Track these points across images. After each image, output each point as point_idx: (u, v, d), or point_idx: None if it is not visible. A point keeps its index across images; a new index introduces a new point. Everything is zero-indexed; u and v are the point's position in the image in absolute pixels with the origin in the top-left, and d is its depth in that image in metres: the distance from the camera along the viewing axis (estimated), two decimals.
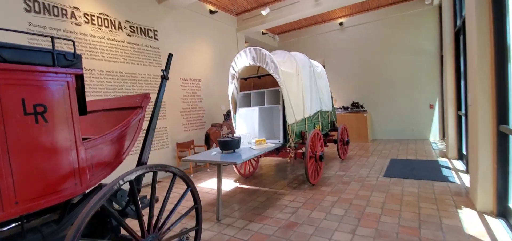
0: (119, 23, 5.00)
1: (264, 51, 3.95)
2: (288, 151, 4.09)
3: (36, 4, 3.91)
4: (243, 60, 4.18)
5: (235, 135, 4.07)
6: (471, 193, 3.28)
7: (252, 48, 4.05)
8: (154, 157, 5.53)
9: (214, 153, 3.47)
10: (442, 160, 5.33)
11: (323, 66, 6.19)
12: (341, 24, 9.08)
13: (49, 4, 4.05)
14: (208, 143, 6.25)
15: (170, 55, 1.92)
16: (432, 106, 7.93)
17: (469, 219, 2.78)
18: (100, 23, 4.70)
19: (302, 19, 8.99)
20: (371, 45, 8.72)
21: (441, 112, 7.82)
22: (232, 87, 4.46)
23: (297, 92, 4.32)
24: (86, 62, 4.47)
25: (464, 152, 5.02)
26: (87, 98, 4.60)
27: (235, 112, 4.54)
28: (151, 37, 5.58)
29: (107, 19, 4.80)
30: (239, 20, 8.12)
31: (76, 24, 4.38)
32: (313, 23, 9.52)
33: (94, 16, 4.62)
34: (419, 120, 8.14)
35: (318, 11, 7.12)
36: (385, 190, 3.81)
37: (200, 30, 6.86)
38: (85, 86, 4.45)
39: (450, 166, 4.90)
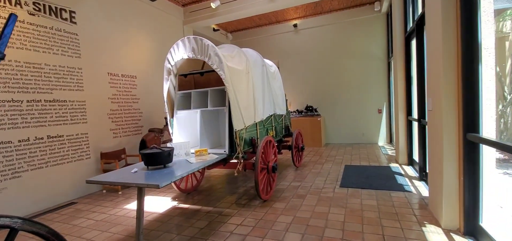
0: None
1: (206, 41, 3.23)
2: (236, 162, 3.42)
3: None
4: (180, 52, 3.39)
5: (170, 143, 3.25)
6: (433, 207, 3.02)
7: (192, 37, 3.30)
8: (71, 171, 4.36)
9: (136, 170, 2.61)
10: (394, 166, 5.23)
11: (278, 68, 5.73)
12: (295, 25, 8.82)
13: None
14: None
15: (12, 16, 1.08)
16: (380, 111, 8.09)
17: (436, 239, 2.44)
18: None
19: (256, 18, 8.50)
20: (324, 49, 8.62)
21: (388, 117, 8.01)
22: (168, 84, 3.63)
23: (247, 93, 3.69)
24: None
25: (414, 158, 4.97)
26: None
27: (172, 116, 3.71)
28: (65, 19, 4.42)
29: None
30: (186, 11, 7.24)
31: None
32: (267, 23, 9.09)
33: None
34: (369, 125, 8.24)
35: (271, 8, 6.65)
36: (343, 205, 3.39)
37: (137, 18, 5.82)
38: None
39: (402, 172, 4.79)
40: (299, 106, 9.00)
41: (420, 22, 4.10)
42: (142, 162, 2.79)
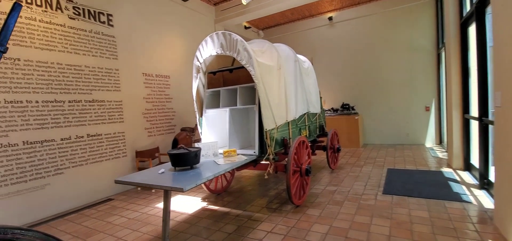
0: (58, 2, 3.99)
1: (235, 36, 3.06)
2: (267, 164, 3.21)
3: None
4: (209, 49, 3.27)
5: (200, 143, 3.15)
6: (499, 222, 2.51)
7: (220, 32, 3.15)
8: (108, 169, 4.53)
9: (163, 170, 2.54)
10: (447, 171, 4.59)
11: (311, 64, 5.39)
12: (330, 18, 8.33)
13: None
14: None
15: (16, 5, 0.97)
16: (428, 109, 7.28)
17: None
18: (29, 0, 3.67)
19: (289, 13, 8.21)
20: (363, 42, 8.01)
21: (438, 115, 7.17)
22: (197, 82, 3.54)
23: (278, 90, 3.45)
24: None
25: (473, 162, 4.31)
26: (9, 95, 3.61)
27: (201, 115, 3.62)
28: (103, 22, 4.59)
29: None
30: (217, 10, 7.21)
31: None
32: (300, 18, 8.74)
33: None
34: (414, 124, 7.47)
35: (304, 1, 6.31)
36: (388, 215, 2.99)
37: (170, 19, 5.90)
38: (5, 80, 3.44)
39: (458, 178, 4.17)
40: (334, 104, 8.50)
41: (481, 4, 3.49)
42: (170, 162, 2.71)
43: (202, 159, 2.94)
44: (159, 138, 5.51)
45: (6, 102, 3.42)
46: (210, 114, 3.61)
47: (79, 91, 4.21)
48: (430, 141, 7.32)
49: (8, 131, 3.43)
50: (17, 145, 3.52)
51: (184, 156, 2.49)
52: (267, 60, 3.36)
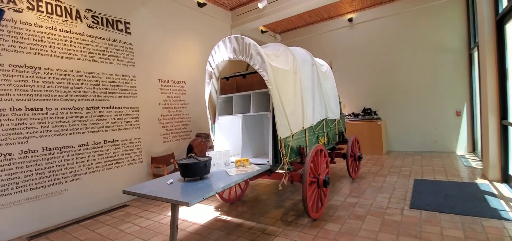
0: (77, 11, 4.08)
1: (248, 40, 2.93)
2: (281, 173, 3.03)
3: None
4: (221, 53, 3.17)
5: (211, 152, 3.04)
6: None
7: (233, 36, 3.04)
8: (124, 175, 4.56)
9: (171, 180, 2.45)
10: (482, 183, 4.16)
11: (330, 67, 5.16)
12: (350, 20, 8.02)
13: None
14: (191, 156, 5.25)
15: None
16: (459, 113, 6.74)
17: None
18: (49, 11, 3.79)
19: (306, 16, 8.00)
20: (385, 44, 7.61)
21: (470, 120, 6.62)
22: (210, 88, 3.45)
23: (294, 95, 3.28)
24: (28, 58, 3.55)
25: (511, 173, 3.87)
26: (30, 103, 3.72)
27: (214, 122, 3.52)
28: (121, 30, 4.65)
29: (59, 6, 3.89)
30: (233, 15, 7.16)
31: (15, 10, 3.46)
32: (318, 20, 8.50)
33: (41, 1, 3.70)
34: (443, 130, 6.94)
35: (323, 2, 6.10)
36: (416, 234, 2.70)
37: (186, 25, 5.92)
38: (26, 88, 3.54)
39: (495, 192, 3.75)
40: (355, 108, 8.13)
41: None
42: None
43: (213, 169, 2.82)
44: (174, 143, 5.50)
45: (27, 109, 3.51)
46: (223, 121, 3.50)
47: (96, 98, 4.27)
48: (461, 149, 6.77)
49: (28, 137, 3.51)
50: (37, 151, 3.60)
51: (193, 167, 2.38)
52: (282, 64, 3.20)
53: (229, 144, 3.53)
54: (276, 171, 3.09)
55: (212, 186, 2.25)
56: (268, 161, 2.97)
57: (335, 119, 4.76)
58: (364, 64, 7.98)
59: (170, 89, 5.49)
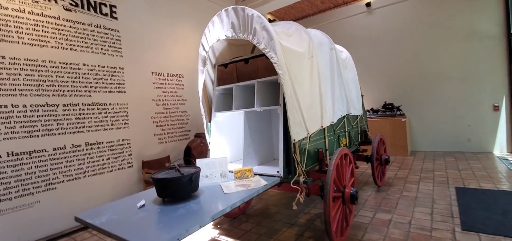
0: None
1: (249, 10, 2.22)
2: (296, 187, 2.31)
3: None
4: (216, 31, 2.47)
5: (201, 160, 2.33)
6: None
7: (231, 8, 2.33)
8: (111, 182, 3.93)
9: (143, 203, 1.77)
10: None
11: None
12: (368, 5, 7.19)
13: None
14: (188, 160, 4.59)
15: None
16: (497, 108, 5.85)
17: None
18: None
19: (318, 2, 7.23)
20: (409, 31, 6.75)
21: (510, 115, 5.73)
22: (204, 78, 2.76)
23: (310, 85, 2.55)
24: None
25: None
26: None
27: (210, 120, 2.83)
28: (105, 14, 4.01)
29: None
30: (237, 1, 6.45)
31: None
32: (332, 6, 7.69)
33: None
34: (478, 127, 6.06)
35: None
36: None
37: (183, 10, 5.24)
38: None
39: None
40: (374, 103, 7.31)
41: None
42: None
43: (205, 182, 2.14)
44: (171, 145, 4.85)
45: None
46: (221, 118, 2.80)
47: (76, 93, 3.64)
48: (499, 148, 5.88)
49: None
50: (0, 157, 2.99)
51: (173, 183, 1.70)
52: (295, 45, 2.47)
53: (228, 147, 2.84)
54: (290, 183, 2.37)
55: (198, 213, 1.57)
56: (278, 171, 2.26)
57: (357, 116, 4.01)
58: (384, 54, 7.14)
59: (165, 83, 4.83)
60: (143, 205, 1.75)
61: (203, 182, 2.13)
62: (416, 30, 6.66)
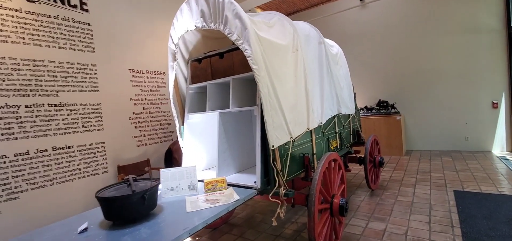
0: None
1: None
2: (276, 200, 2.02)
3: None
4: (185, 20, 2.16)
5: (165, 171, 2.02)
6: None
7: None
8: (84, 189, 3.60)
9: (85, 226, 1.46)
10: None
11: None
12: None
13: None
14: (169, 163, 4.28)
15: None
16: (496, 105, 5.62)
17: None
18: None
19: None
20: (404, 25, 6.49)
21: (510, 113, 5.50)
22: (174, 74, 2.45)
23: (294, 82, 2.26)
24: None
25: None
26: None
27: (182, 122, 2.53)
28: (74, 6, 3.66)
29: None
30: None
31: None
32: (324, 1, 7.40)
33: None
34: (476, 125, 5.84)
35: None
36: None
37: (165, 5, 4.90)
38: None
39: None
40: (368, 101, 7.05)
41: None
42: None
43: (170, 195, 1.84)
44: (151, 147, 4.53)
45: None
46: (194, 120, 2.50)
47: (40, 93, 3.30)
48: (498, 148, 5.66)
49: None
50: None
51: (120, 203, 1.40)
52: (277, 37, 2.18)
53: (204, 153, 2.53)
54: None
55: (171, 231, 1.26)
56: (255, 182, 1.97)
57: (349, 115, 3.73)
58: (379, 50, 6.88)
59: (145, 81, 4.50)
60: (85, 229, 1.45)
61: (167, 197, 1.84)
62: (411, 24, 6.40)
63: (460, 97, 5.96)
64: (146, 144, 4.45)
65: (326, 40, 3.57)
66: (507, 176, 3.96)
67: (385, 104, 6.57)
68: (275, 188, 1.92)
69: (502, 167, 4.49)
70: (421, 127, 6.45)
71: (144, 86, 4.48)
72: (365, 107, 6.91)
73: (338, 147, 3.29)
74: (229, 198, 1.73)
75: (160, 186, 1.90)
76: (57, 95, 3.44)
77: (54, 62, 3.42)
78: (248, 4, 6.03)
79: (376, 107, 6.70)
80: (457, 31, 5.90)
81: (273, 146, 1.88)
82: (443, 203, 3.18)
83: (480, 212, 2.86)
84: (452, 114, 6.05)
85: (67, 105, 3.52)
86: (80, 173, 3.62)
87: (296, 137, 2.19)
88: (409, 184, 3.99)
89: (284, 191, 1.86)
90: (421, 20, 6.28)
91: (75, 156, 3.58)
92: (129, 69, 4.27)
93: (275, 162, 1.93)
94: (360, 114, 6.62)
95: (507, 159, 4.95)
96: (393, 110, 6.41)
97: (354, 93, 4.14)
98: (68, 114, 3.52)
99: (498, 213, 2.79)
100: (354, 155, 3.81)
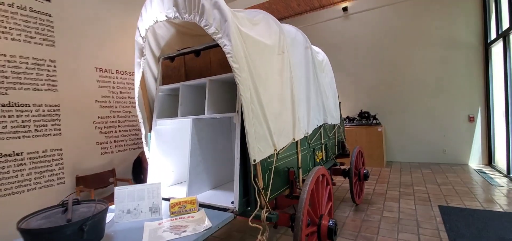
0: None
1: None
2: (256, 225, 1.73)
3: None
4: (155, 10, 1.85)
5: (120, 188, 1.68)
6: None
7: None
8: (33, 203, 3.09)
9: None
10: None
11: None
12: (345, 9, 6.91)
13: None
14: (138, 174, 3.86)
15: None
16: (472, 119, 5.74)
17: None
18: None
19: (294, 4, 6.86)
20: (386, 37, 6.55)
21: (486, 126, 5.63)
22: (142, 73, 2.11)
23: (280, 86, 2.01)
24: None
25: None
26: None
27: (150, 129, 2.19)
28: None
29: None
30: None
31: None
32: (308, 9, 7.33)
33: None
34: (454, 138, 5.93)
35: None
36: None
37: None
38: None
39: None
40: (350, 112, 7.00)
41: None
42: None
43: (127, 220, 1.49)
44: (118, 155, 4.08)
45: None
46: (164, 127, 2.17)
47: None
48: (475, 161, 5.76)
49: None
50: None
51: (50, 238, 1.04)
52: (261, 35, 1.92)
53: (173, 165, 2.20)
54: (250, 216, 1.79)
55: None
56: (232, 202, 1.67)
57: (334, 125, 3.55)
58: (361, 61, 6.88)
59: (114, 82, 4.07)
60: None
61: (122, 222, 1.49)
62: (392, 36, 6.46)
63: (438, 110, 6.04)
64: (112, 152, 4.00)
65: (313, 46, 3.39)
66: (487, 191, 3.95)
67: (366, 115, 6.53)
68: (256, 210, 1.63)
69: (480, 180, 4.51)
70: (401, 138, 6.46)
71: (113, 87, 4.05)
72: (347, 117, 6.85)
73: (324, 159, 3.07)
74: (200, 223, 1.42)
75: (112, 207, 1.55)
76: (6, 94, 2.97)
77: (4, 55, 2.96)
78: (236, 5, 5.77)
79: (358, 118, 6.65)
80: (437, 45, 6.01)
81: (254, 161, 1.59)
82: (430, 220, 3.05)
83: (468, 230, 2.73)
84: (431, 127, 6.11)
85: (17, 105, 3.05)
86: (30, 184, 3.13)
87: (280, 150, 1.92)
88: (394, 198, 3.86)
89: (266, 214, 1.58)
90: (401, 33, 6.36)
91: (25, 164, 3.09)
92: (96, 68, 3.84)
93: (256, 179, 1.65)
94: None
95: (484, 172, 5.00)
96: (374, 121, 6.38)
97: (339, 103, 3.98)
98: (18, 116, 3.05)
99: (487, 232, 2.68)
100: (339, 167, 3.62)
